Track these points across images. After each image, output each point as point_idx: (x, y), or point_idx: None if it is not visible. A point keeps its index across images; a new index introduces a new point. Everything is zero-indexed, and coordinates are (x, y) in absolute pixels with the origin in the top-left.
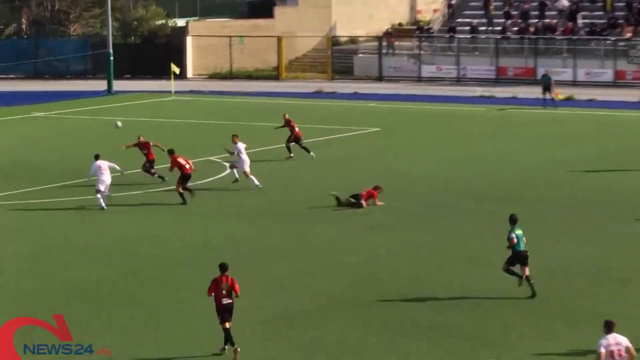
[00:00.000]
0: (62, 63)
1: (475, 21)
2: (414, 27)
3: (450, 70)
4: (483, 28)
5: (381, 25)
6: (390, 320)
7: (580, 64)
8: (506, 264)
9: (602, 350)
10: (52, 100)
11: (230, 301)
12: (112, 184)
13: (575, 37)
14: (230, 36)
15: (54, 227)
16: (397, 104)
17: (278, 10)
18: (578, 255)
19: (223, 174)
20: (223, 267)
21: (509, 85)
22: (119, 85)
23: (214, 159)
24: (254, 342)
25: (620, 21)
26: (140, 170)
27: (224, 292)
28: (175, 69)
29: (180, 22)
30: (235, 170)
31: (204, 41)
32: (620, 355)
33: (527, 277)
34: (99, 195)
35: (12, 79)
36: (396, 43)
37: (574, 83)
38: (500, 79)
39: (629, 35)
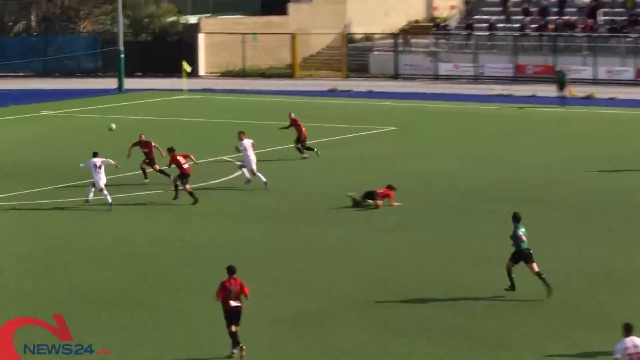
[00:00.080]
0: (72, 61)
1: (493, 18)
2: (431, 23)
3: (468, 68)
4: (501, 25)
5: (397, 22)
6: (406, 322)
7: (600, 61)
8: (510, 261)
9: (618, 356)
10: (61, 99)
11: (239, 304)
12: (114, 185)
13: (595, 35)
14: (243, 33)
15: (54, 227)
16: (414, 103)
17: (292, 7)
18: (602, 257)
19: (234, 175)
20: (231, 270)
21: (528, 84)
22: (129, 83)
23: (227, 158)
24: (263, 343)
25: None
26: (139, 166)
27: (232, 295)
28: (186, 67)
29: (192, 19)
30: (245, 170)
31: (217, 38)
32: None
33: (537, 273)
34: (105, 192)
35: (21, 76)
36: (412, 40)
37: (595, 81)
38: (519, 77)
39: None
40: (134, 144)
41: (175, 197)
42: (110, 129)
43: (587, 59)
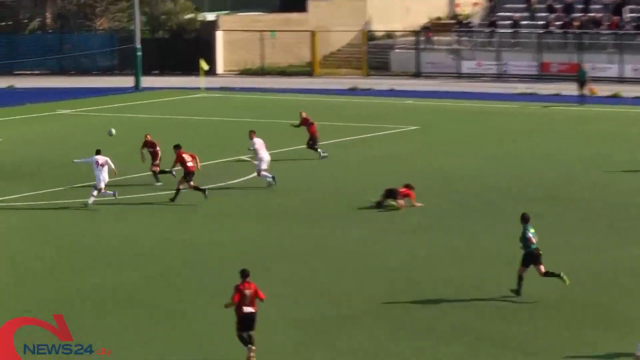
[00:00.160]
0: (88, 58)
1: (516, 15)
2: (453, 21)
3: (491, 66)
4: (525, 22)
5: (419, 19)
6: (426, 324)
7: (627, 59)
8: (522, 266)
9: (639, 354)
10: (77, 97)
11: (253, 310)
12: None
13: (621, 32)
14: (262, 31)
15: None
16: (436, 101)
17: (311, 4)
18: (623, 257)
19: (251, 175)
20: (244, 274)
21: (552, 82)
22: (146, 81)
23: (245, 157)
24: (276, 344)
25: None
26: (150, 171)
27: (246, 300)
28: (204, 65)
29: (210, 16)
30: (264, 173)
31: (235, 36)
32: None
33: (544, 274)
34: (106, 190)
35: (36, 75)
36: (434, 38)
37: (621, 80)
38: (543, 75)
39: None
40: (143, 146)
41: (173, 199)
42: (110, 135)
43: (613, 57)
